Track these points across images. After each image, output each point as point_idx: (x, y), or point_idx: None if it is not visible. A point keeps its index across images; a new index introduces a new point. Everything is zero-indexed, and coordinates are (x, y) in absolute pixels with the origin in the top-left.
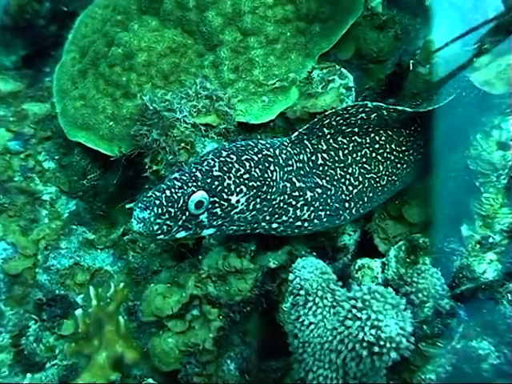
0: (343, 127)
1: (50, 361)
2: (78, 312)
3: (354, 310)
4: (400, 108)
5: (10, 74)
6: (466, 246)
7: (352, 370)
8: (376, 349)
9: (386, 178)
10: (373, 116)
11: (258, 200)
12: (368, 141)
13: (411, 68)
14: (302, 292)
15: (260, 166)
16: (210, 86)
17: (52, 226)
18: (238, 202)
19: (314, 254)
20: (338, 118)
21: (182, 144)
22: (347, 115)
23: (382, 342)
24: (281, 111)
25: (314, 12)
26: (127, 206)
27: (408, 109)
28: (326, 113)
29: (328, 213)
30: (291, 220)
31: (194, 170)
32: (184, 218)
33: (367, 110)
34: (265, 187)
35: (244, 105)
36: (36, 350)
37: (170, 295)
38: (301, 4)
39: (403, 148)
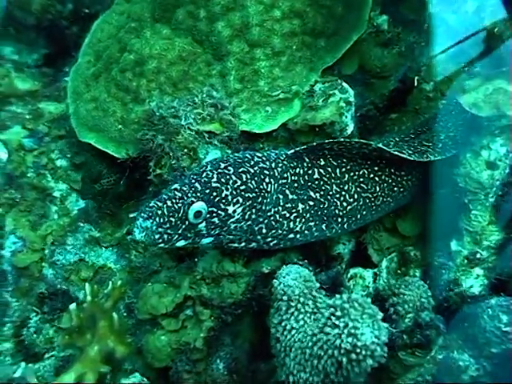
0: (344, 153)
1: (49, 352)
2: (72, 306)
3: (333, 318)
4: (404, 156)
5: (30, 73)
6: (455, 260)
7: (332, 376)
8: (353, 356)
9: (381, 198)
10: (374, 153)
11: (254, 210)
12: (368, 162)
13: (416, 84)
14: (285, 298)
15: (256, 178)
16: (215, 95)
17: (60, 222)
18: (234, 211)
19: (306, 261)
20: (340, 146)
21: (186, 150)
22: (350, 146)
23: (358, 350)
24: (283, 122)
25: (320, 27)
26: (130, 215)
27: (410, 157)
28: (328, 141)
29: (319, 225)
30: (285, 233)
31: (193, 181)
32: (184, 226)
33: (370, 148)
34: (260, 198)
35: (248, 114)
36: (36, 341)
37: (166, 295)
38: (307, 19)
39: (402, 173)
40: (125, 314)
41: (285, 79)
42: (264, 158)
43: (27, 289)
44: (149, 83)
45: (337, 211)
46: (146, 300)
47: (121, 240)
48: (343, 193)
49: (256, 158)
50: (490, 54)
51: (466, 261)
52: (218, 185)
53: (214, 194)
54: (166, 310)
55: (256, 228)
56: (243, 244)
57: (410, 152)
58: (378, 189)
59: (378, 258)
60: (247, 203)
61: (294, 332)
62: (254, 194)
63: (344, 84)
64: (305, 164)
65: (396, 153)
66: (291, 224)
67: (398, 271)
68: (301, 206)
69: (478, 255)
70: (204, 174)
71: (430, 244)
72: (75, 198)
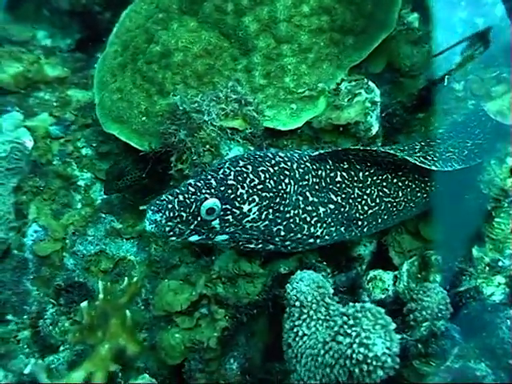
0: (369, 158)
1: (64, 344)
2: (84, 304)
3: (346, 327)
4: (428, 167)
5: (60, 58)
6: (476, 267)
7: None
8: (364, 366)
9: (403, 203)
10: (399, 162)
11: (271, 211)
12: (392, 167)
13: (446, 83)
14: (298, 304)
15: (275, 178)
16: (240, 90)
17: (82, 212)
18: (249, 210)
19: (325, 263)
20: (365, 154)
21: (207, 146)
22: (375, 155)
23: (369, 360)
24: (308, 120)
25: (349, 24)
26: (141, 207)
27: (434, 167)
28: (354, 146)
29: (339, 229)
30: (305, 237)
31: (209, 177)
32: (196, 222)
33: (396, 158)
34: (278, 199)
35: (272, 111)
36: (52, 333)
37: (181, 292)
38: (336, 15)
39: (426, 178)
40: (142, 308)
41: (311, 76)
42: (286, 159)
43: (48, 278)
44: (174, 76)
45: (357, 215)
46: (161, 296)
47: (142, 232)
48: (365, 196)
49: (277, 158)
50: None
51: (487, 268)
52: (234, 182)
53: (229, 191)
54: (181, 308)
55: (274, 229)
56: (260, 246)
57: (435, 159)
58: (400, 194)
59: (399, 260)
60: (264, 203)
61: (305, 338)
62: (271, 194)
63: (370, 83)
64: (328, 166)
65: (421, 163)
66: (312, 229)
67: (419, 275)
68: (322, 210)
69: (500, 263)
70: (221, 171)
71: (452, 249)
72: (99, 187)
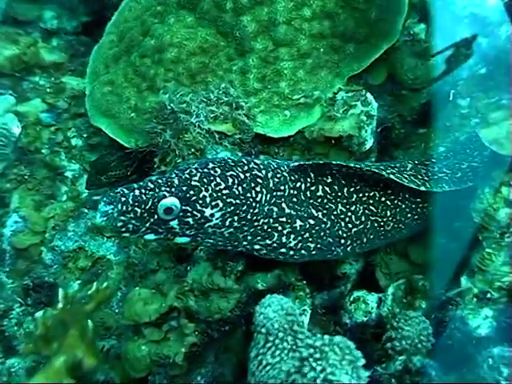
0: (355, 175)
1: None
2: (38, 314)
3: (311, 360)
4: (422, 189)
5: (64, 40)
6: (463, 297)
7: None
8: None
9: (391, 224)
10: (387, 180)
11: (236, 218)
12: (381, 184)
13: (451, 98)
14: (263, 330)
15: (244, 185)
16: (233, 93)
17: (63, 206)
18: (212, 215)
19: (304, 282)
20: (350, 170)
21: (193, 149)
22: (360, 172)
23: None
24: (301, 128)
25: (351, 32)
26: (94, 197)
27: (422, 188)
28: (336, 162)
29: (319, 246)
30: (275, 245)
31: (173, 175)
32: (152, 220)
33: (383, 178)
34: (245, 206)
35: (265, 116)
36: (16, 334)
37: (151, 302)
38: (338, 21)
39: (417, 200)
40: (116, 311)
41: (308, 83)
42: (261, 166)
43: (24, 271)
44: (166, 72)
45: (340, 232)
46: (130, 305)
47: None
48: (349, 213)
49: (252, 165)
50: None
51: (475, 299)
52: (198, 184)
53: (192, 192)
54: (150, 319)
55: (240, 236)
56: (229, 248)
57: (426, 179)
58: (388, 213)
59: (385, 282)
60: (228, 209)
61: (268, 368)
62: (237, 201)
63: (368, 95)
64: (308, 179)
65: (409, 183)
66: (284, 238)
67: (404, 300)
68: (299, 223)
69: (489, 295)
70: (187, 171)
71: (440, 276)
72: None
